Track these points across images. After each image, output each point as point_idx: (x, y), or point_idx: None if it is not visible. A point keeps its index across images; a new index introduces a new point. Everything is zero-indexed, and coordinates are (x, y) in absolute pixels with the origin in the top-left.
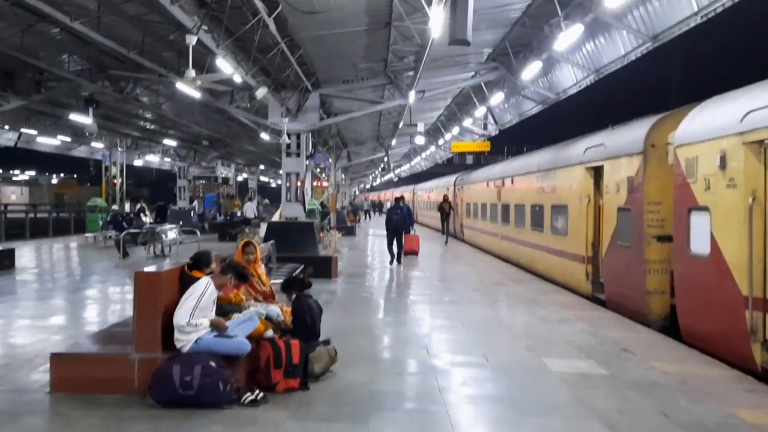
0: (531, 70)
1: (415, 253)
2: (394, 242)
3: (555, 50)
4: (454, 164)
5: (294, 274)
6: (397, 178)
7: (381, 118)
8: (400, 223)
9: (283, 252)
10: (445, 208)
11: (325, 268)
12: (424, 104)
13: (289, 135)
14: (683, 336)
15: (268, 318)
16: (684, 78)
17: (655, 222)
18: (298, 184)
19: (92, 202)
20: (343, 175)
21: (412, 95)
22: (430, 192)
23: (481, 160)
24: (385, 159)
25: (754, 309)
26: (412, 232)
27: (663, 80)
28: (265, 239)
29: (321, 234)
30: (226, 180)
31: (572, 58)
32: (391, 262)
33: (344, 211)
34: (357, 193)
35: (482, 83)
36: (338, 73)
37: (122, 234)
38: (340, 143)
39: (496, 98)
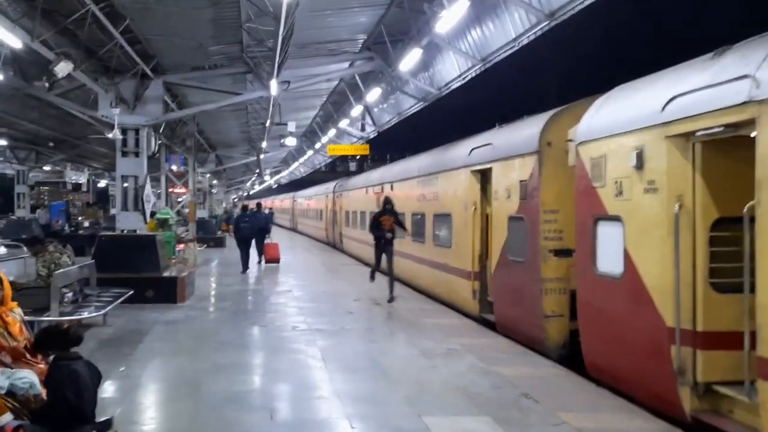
0: (410, 60)
1: (276, 261)
2: (250, 251)
3: (437, 34)
4: (338, 171)
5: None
6: (276, 185)
7: (249, 116)
8: (248, 232)
9: (116, 272)
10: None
11: (168, 291)
12: (296, 102)
13: (124, 130)
14: (588, 370)
15: (9, 393)
16: (589, 64)
17: (552, 233)
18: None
19: None
20: (215, 181)
21: (273, 85)
22: (310, 200)
23: (364, 167)
24: (260, 164)
25: (682, 344)
26: (268, 239)
27: (562, 68)
28: (94, 256)
29: (181, 246)
30: (77, 186)
31: (456, 44)
32: (243, 272)
33: (213, 221)
34: (236, 200)
35: (358, 78)
36: (185, 57)
37: None
38: (206, 145)
39: (373, 94)
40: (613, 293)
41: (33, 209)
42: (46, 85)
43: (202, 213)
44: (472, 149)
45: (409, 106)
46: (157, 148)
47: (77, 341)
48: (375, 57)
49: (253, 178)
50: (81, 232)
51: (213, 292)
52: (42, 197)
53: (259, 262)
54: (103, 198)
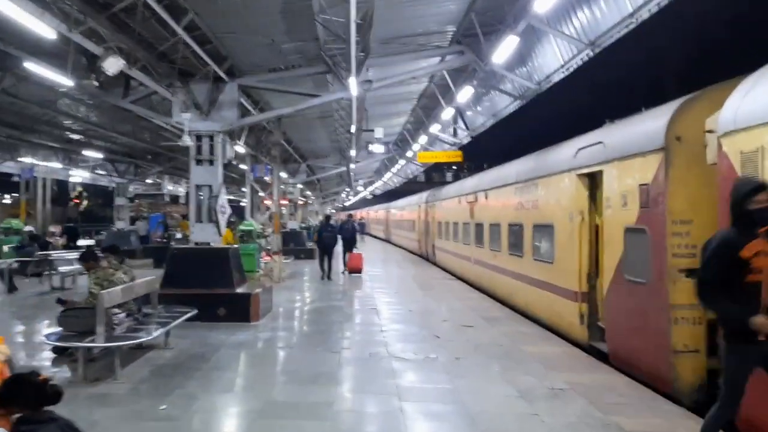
0: (505, 50)
1: (359, 271)
2: (325, 260)
3: (536, 15)
4: (433, 182)
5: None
6: (371, 196)
7: (336, 124)
8: (329, 241)
9: (187, 288)
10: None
11: (241, 308)
12: (384, 108)
13: (198, 137)
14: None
15: None
16: (715, 49)
17: (682, 249)
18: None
19: (6, 224)
20: (309, 192)
21: (353, 84)
22: (402, 210)
23: (460, 175)
24: (349, 174)
25: None
26: (355, 250)
27: (686, 52)
28: (166, 271)
29: (267, 258)
30: (175, 198)
31: (558, 27)
32: (322, 278)
33: (305, 232)
34: (333, 211)
35: (447, 77)
36: (259, 57)
37: (10, 263)
38: (295, 155)
39: (465, 94)
40: None
41: (132, 221)
42: (95, 83)
43: (293, 224)
44: (579, 150)
45: (505, 105)
46: (233, 155)
47: (54, 399)
48: (465, 50)
49: (348, 190)
50: (172, 243)
51: (292, 309)
52: (141, 209)
53: (344, 271)
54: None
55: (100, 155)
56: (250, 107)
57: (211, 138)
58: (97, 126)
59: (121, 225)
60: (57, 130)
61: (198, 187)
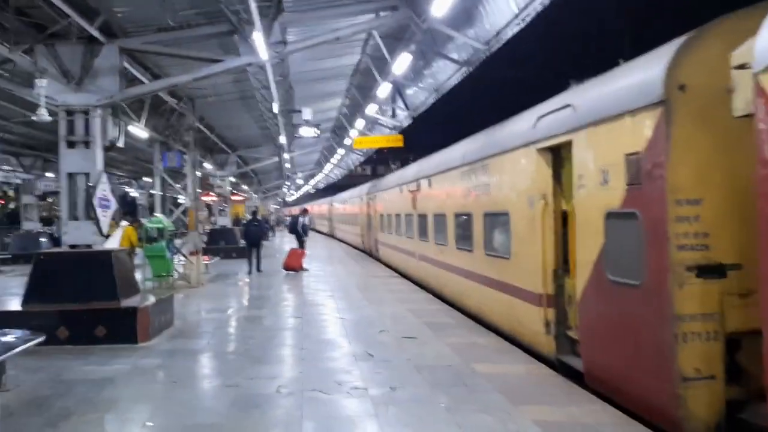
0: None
1: (294, 269)
2: (253, 253)
3: None
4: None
5: None
6: (314, 190)
7: (261, 106)
8: (255, 235)
9: (57, 303)
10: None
11: (124, 327)
12: (312, 87)
13: (70, 112)
14: None
15: None
16: None
17: (690, 239)
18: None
19: None
20: (245, 187)
21: (259, 43)
22: (344, 204)
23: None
24: (282, 164)
25: None
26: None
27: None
28: (30, 282)
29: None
30: None
31: None
32: (249, 272)
33: (235, 230)
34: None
35: (381, 45)
36: (144, 13)
37: None
38: (221, 144)
39: (402, 63)
40: None
41: (47, 222)
42: None
43: (224, 221)
44: (539, 117)
45: (449, 76)
46: (117, 135)
47: None
48: (400, 5)
49: (289, 183)
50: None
51: (197, 323)
52: (54, 209)
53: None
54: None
55: None
56: (143, 78)
57: (86, 113)
58: None
59: (30, 226)
60: None
61: (71, 176)
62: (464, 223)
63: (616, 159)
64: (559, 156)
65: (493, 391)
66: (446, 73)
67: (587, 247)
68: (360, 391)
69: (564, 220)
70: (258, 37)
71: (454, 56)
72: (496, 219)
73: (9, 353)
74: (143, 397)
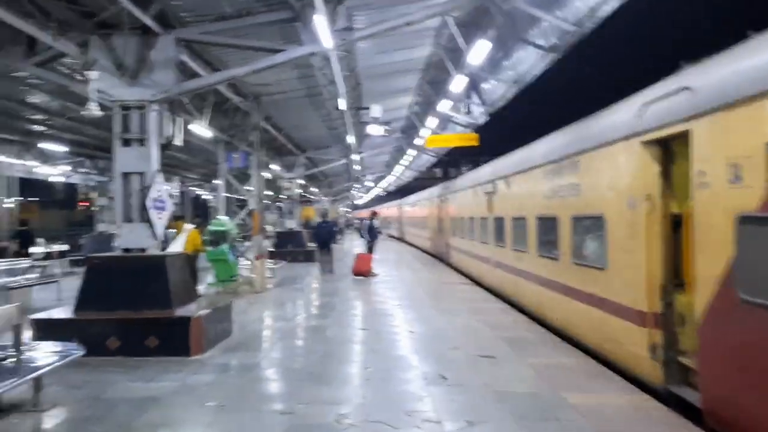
0: None
1: (363, 274)
2: (324, 254)
3: None
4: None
5: None
6: (385, 193)
7: (328, 105)
8: (325, 236)
9: (108, 311)
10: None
11: (176, 338)
12: (380, 82)
13: (125, 107)
14: None
15: None
16: None
17: None
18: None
19: None
20: (315, 189)
21: (322, 28)
22: (414, 206)
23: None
24: (350, 165)
25: None
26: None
27: None
28: (81, 288)
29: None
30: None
31: None
32: (322, 273)
33: (303, 232)
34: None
35: (455, 30)
36: (202, 2)
37: None
38: (289, 146)
39: (480, 52)
40: None
41: None
42: None
43: (292, 224)
44: (644, 105)
45: (531, 65)
46: (172, 133)
47: None
48: None
49: (358, 186)
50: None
51: (257, 333)
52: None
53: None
54: (204, 211)
55: (63, 148)
56: (202, 71)
57: (142, 109)
58: (57, 115)
59: (103, 228)
60: (15, 120)
61: (125, 176)
62: (548, 227)
63: (752, 150)
64: (668, 150)
65: (592, 430)
66: (528, 63)
67: (710, 258)
68: (432, 425)
69: (675, 226)
70: (320, 21)
71: (540, 42)
72: (588, 223)
73: (40, 371)
74: (185, 422)
